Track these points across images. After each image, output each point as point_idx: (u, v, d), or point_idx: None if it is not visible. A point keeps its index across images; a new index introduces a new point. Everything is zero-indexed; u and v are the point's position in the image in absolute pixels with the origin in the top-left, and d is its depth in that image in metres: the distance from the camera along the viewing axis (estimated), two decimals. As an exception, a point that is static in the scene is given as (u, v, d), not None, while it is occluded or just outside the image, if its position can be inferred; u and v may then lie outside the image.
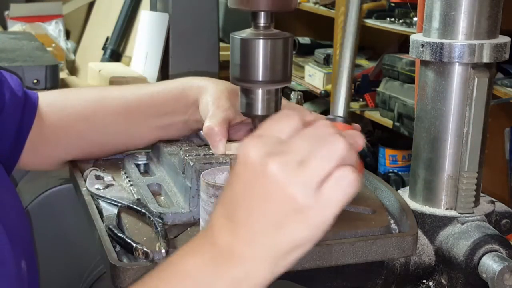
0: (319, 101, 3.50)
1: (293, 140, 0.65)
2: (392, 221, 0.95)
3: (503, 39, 0.94)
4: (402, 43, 3.09)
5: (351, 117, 0.93)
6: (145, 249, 0.82)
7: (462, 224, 0.93)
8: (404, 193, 1.02)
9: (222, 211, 0.68)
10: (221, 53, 2.64)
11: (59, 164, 1.15)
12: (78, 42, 3.64)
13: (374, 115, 2.98)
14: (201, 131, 1.05)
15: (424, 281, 0.95)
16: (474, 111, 0.92)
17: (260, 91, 0.83)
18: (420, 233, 0.94)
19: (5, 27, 3.60)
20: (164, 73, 2.61)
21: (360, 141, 0.70)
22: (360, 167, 0.67)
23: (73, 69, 3.32)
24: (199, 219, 0.91)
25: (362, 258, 0.86)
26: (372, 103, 3.02)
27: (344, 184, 0.64)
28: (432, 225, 0.95)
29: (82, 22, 3.74)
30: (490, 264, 0.87)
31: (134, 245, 0.83)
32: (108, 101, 1.11)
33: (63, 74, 2.79)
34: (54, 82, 1.95)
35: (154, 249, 0.83)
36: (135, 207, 0.94)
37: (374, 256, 0.86)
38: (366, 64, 3.36)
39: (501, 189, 2.50)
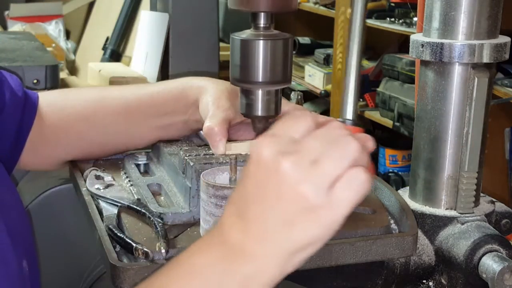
0: (319, 101, 3.50)
1: (306, 140, 0.66)
2: (392, 221, 0.95)
3: (503, 39, 0.94)
4: (402, 43, 3.09)
5: (351, 117, 0.93)
6: (145, 249, 0.82)
7: (462, 224, 0.93)
8: (404, 193, 1.02)
9: (233, 209, 0.68)
10: (221, 53, 2.64)
11: (59, 164, 1.15)
12: (78, 42, 3.64)
13: (374, 115, 2.98)
14: (201, 131, 1.05)
15: (424, 281, 0.95)
16: (474, 111, 0.92)
17: (260, 92, 0.83)
18: (420, 233, 0.94)
19: (5, 27, 3.60)
20: (164, 73, 2.61)
21: (370, 143, 0.70)
22: (371, 168, 0.67)
23: (73, 69, 3.32)
24: (199, 219, 0.91)
25: (362, 258, 0.86)
26: (372, 103, 3.02)
27: (356, 185, 0.64)
28: (432, 225, 0.95)
29: (82, 22, 3.74)
30: (490, 264, 0.87)
31: (134, 245, 0.83)
32: (108, 101, 1.11)
33: (63, 74, 2.79)
34: (54, 82, 1.95)
35: (154, 249, 0.82)
36: (135, 207, 0.94)
37: (374, 256, 0.87)
38: (366, 64, 3.35)
39: (501, 189, 2.50)
